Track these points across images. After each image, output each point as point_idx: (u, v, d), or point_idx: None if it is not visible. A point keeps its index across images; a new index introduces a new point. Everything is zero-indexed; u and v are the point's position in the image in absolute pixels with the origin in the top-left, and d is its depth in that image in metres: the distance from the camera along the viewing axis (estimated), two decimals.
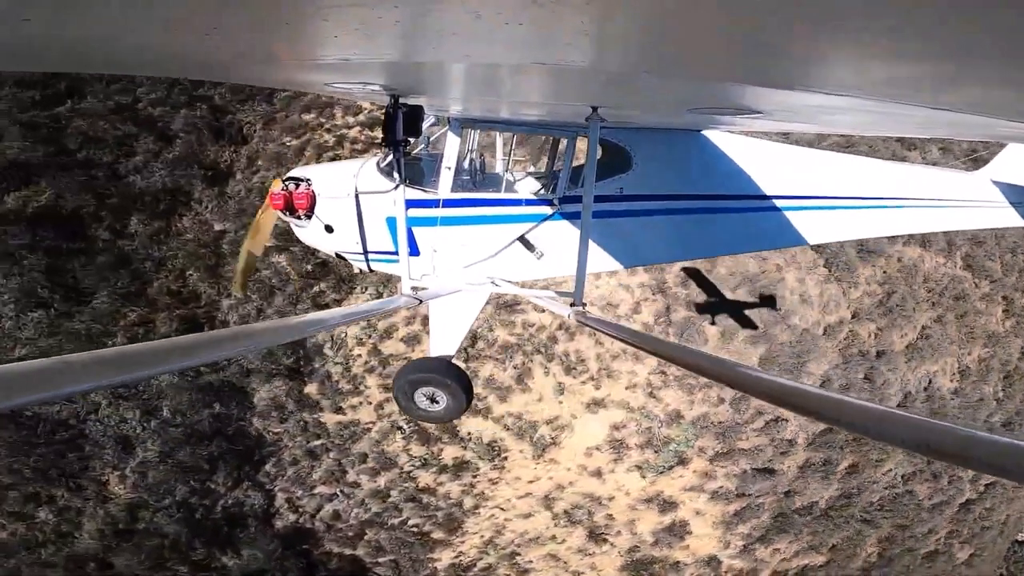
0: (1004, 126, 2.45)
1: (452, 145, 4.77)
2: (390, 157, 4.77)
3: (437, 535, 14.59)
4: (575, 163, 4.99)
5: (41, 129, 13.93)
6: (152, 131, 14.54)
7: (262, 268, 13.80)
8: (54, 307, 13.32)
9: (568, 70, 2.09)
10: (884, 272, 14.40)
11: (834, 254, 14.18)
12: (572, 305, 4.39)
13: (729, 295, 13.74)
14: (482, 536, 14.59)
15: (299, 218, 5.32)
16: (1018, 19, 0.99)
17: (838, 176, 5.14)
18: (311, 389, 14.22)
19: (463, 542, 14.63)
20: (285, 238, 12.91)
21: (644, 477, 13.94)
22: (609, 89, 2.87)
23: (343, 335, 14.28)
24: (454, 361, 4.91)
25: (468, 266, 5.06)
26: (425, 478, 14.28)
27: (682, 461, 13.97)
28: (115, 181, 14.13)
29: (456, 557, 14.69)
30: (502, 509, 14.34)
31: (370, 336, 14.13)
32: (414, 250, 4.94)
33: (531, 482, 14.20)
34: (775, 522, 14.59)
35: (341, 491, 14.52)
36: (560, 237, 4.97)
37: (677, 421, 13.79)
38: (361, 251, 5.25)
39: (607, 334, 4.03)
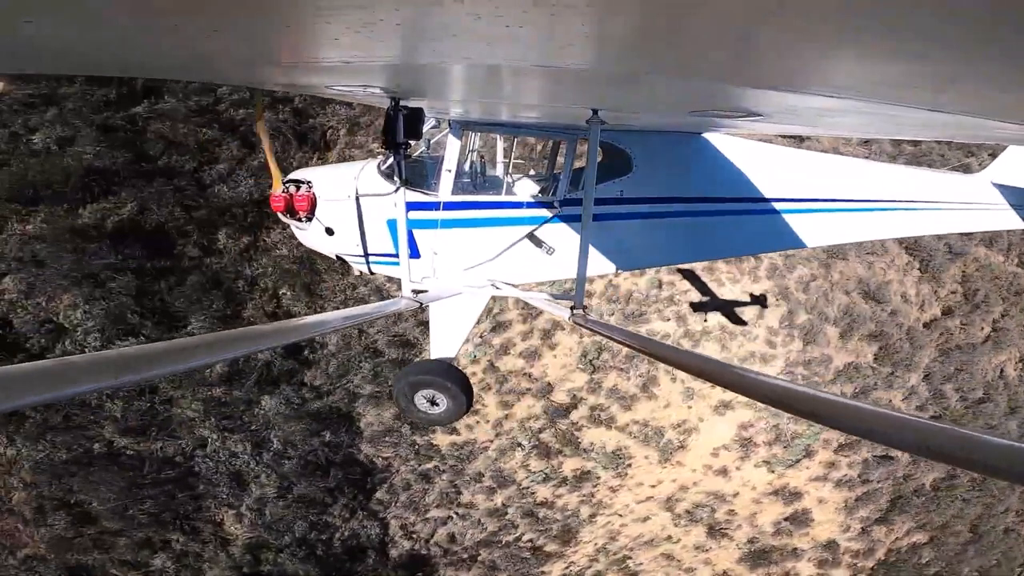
0: (1004, 128, 2.45)
1: (452, 148, 4.77)
2: (391, 159, 4.77)
3: (550, 548, 14.56)
4: (575, 166, 4.99)
5: (118, 132, 12.74)
6: (235, 135, 13.54)
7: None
8: (144, 334, 12.33)
9: (568, 72, 2.10)
10: (963, 271, 14.92)
11: (929, 255, 14.66)
12: (573, 308, 4.39)
13: (721, 294, 14.01)
14: (595, 544, 14.66)
15: (300, 220, 5.32)
16: (1018, 21, 0.99)
17: (839, 178, 5.14)
18: None
19: (575, 552, 14.67)
20: None
21: (772, 471, 14.25)
22: (609, 91, 2.87)
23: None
24: (454, 364, 4.90)
25: (469, 269, 5.06)
26: (543, 492, 14.22)
27: (808, 454, 14.28)
28: (200, 191, 13.11)
29: (567, 568, 14.75)
30: (619, 515, 14.43)
31: (485, 353, 13.93)
32: (415, 252, 4.94)
33: (653, 486, 14.27)
34: (892, 504, 15.09)
35: (456, 513, 14.34)
36: (560, 240, 4.97)
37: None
38: (362, 253, 5.26)
39: (608, 337, 4.02)
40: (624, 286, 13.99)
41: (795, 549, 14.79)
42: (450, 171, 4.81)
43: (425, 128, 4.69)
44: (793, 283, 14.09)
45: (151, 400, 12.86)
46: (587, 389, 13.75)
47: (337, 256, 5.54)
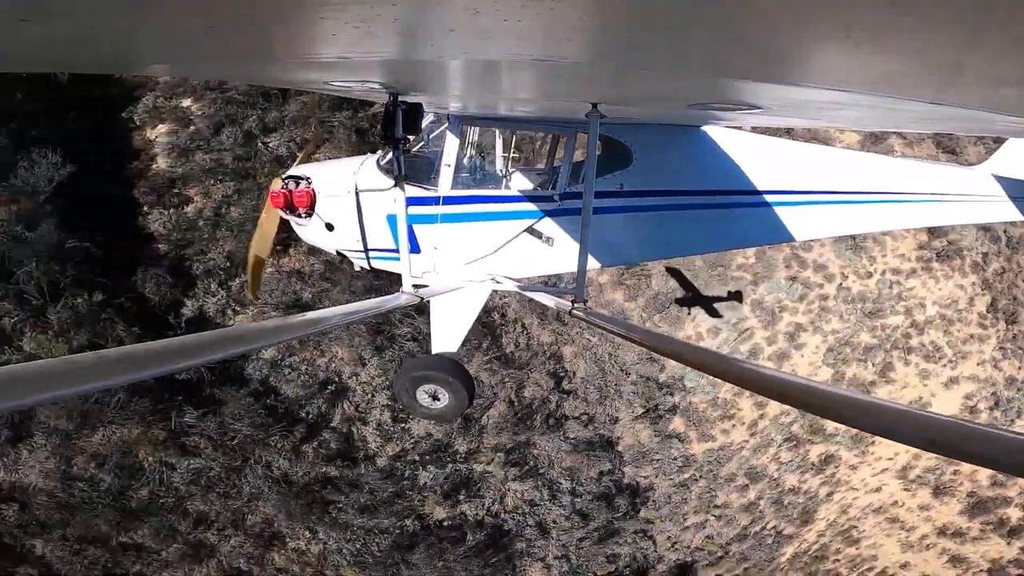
0: (1005, 121, 2.44)
1: (452, 142, 4.76)
2: (390, 155, 4.76)
3: (789, 530, 15.75)
4: (575, 159, 4.98)
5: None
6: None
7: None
8: None
9: (567, 66, 2.09)
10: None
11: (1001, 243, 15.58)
12: (574, 302, 4.39)
13: (703, 291, 14.99)
14: (827, 520, 15.96)
15: (299, 216, 5.32)
16: (1019, 14, 0.99)
17: (840, 171, 5.13)
18: (677, 424, 14.91)
19: (810, 530, 15.98)
20: None
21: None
22: (608, 85, 2.87)
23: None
24: (455, 358, 4.91)
25: (469, 263, 5.06)
26: (791, 480, 15.44)
27: (1020, 413, 15.65)
28: None
29: (799, 546, 16.00)
30: (854, 489, 15.79)
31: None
32: (415, 247, 4.93)
33: (890, 459, 15.64)
34: None
35: (712, 516, 15.26)
36: (561, 233, 4.96)
37: (1017, 383, 15.83)
38: (362, 249, 5.25)
39: (610, 331, 4.02)
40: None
41: (1006, 498, 16.08)
42: (449, 166, 4.80)
43: (424, 123, 4.68)
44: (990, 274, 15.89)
45: (452, 458, 13.12)
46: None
47: (337, 252, 5.54)
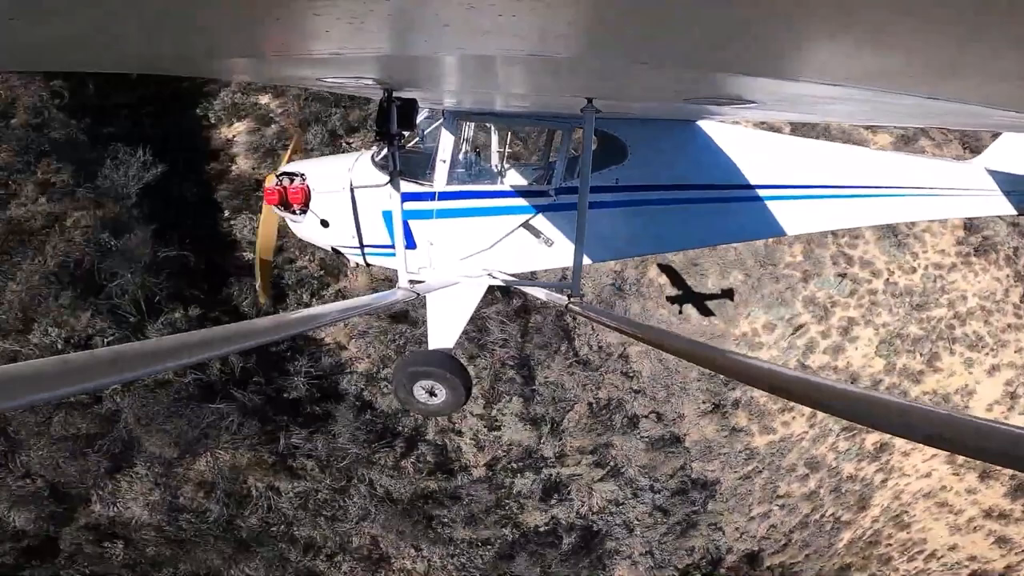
0: (1000, 116, 2.45)
1: (447, 138, 4.74)
2: (385, 151, 4.74)
3: (846, 516, 16.46)
4: (570, 154, 4.97)
5: None
6: None
7: None
8: None
9: (562, 62, 2.08)
10: None
11: None
12: (570, 296, 4.39)
13: (695, 288, 15.40)
14: (881, 506, 16.73)
15: (294, 213, 5.29)
16: (1015, 9, 0.98)
17: (836, 165, 5.14)
18: (740, 418, 15.37)
19: (865, 516, 16.73)
20: None
21: None
22: (604, 80, 2.85)
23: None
24: (452, 354, 4.91)
25: (465, 258, 5.05)
26: (848, 468, 16.20)
27: None
28: None
29: (854, 532, 16.73)
30: (905, 475, 16.58)
31: (790, 348, 15.47)
32: (410, 243, 4.92)
33: None
34: None
35: (776, 505, 15.92)
36: (556, 228, 4.96)
37: None
38: (357, 245, 5.23)
39: (606, 325, 4.03)
40: None
41: None
42: (445, 161, 4.79)
43: (419, 119, 4.65)
44: None
45: (544, 463, 13.19)
46: (883, 372, 16.09)
47: (332, 248, 5.52)
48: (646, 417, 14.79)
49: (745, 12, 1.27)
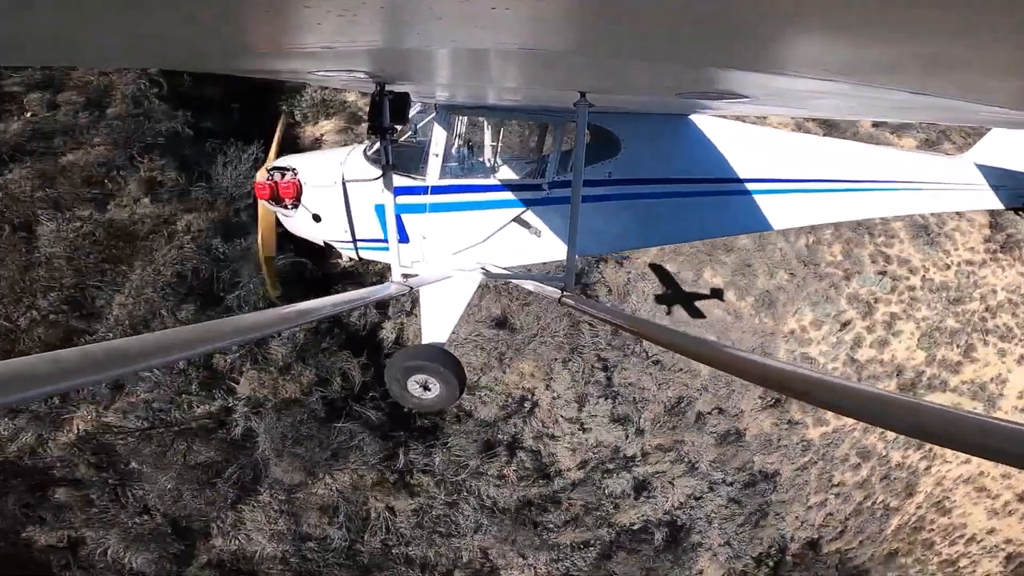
0: (988, 111, 2.47)
1: (439, 132, 4.73)
2: (377, 145, 4.72)
3: (894, 503, 17.05)
4: (564, 148, 4.97)
5: None
6: None
7: None
8: None
9: (555, 55, 2.08)
10: None
11: None
12: (563, 290, 4.40)
13: (685, 288, 15.70)
14: (925, 492, 17.31)
15: (286, 208, 5.27)
16: (1005, 4, 0.99)
17: (827, 159, 5.17)
18: (794, 411, 15.77)
19: (911, 503, 17.30)
20: None
21: None
22: (597, 74, 2.85)
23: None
24: (446, 348, 4.90)
25: (458, 252, 5.05)
26: (896, 456, 16.78)
27: None
28: None
29: (901, 519, 17.36)
30: (947, 462, 17.23)
31: (839, 344, 16.07)
32: (403, 237, 4.91)
33: None
34: None
35: (832, 495, 16.43)
36: (549, 222, 4.96)
37: None
38: (350, 239, 5.22)
39: (600, 319, 4.05)
40: None
41: None
42: (437, 155, 4.78)
43: (412, 112, 4.64)
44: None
45: (632, 462, 13.41)
46: (924, 363, 16.75)
47: (325, 243, 5.50)
48: (710, 413, 15.28)
49: (737, 6, 1.28)
